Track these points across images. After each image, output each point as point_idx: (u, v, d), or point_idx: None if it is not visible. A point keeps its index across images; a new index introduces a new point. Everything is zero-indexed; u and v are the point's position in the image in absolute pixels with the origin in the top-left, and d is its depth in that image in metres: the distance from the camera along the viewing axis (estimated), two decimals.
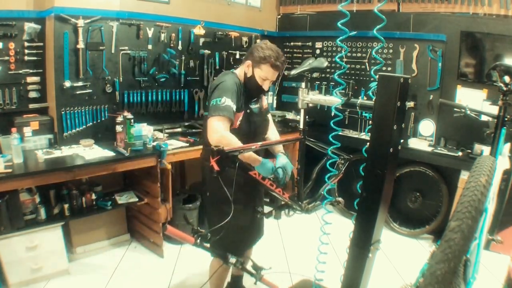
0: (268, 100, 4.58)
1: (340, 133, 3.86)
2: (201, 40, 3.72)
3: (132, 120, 3.09)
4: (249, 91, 2.06)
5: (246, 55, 2.09)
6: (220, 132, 1.84)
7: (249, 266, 2.01)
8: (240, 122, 2.01)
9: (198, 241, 1.63)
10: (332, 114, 1.62)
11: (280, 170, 1.90)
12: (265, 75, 1.99)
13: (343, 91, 1.59)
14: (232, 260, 1.79)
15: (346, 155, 2.01)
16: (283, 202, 1.97)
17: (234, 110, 1.91)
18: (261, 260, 2.94)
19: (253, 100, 2.12)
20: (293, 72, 1.93)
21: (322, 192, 1.91)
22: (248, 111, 2.06)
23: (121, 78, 3.21)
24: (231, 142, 1.80)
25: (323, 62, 1.89)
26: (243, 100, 2.03)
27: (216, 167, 1.53)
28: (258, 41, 4.27)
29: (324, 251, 1.74)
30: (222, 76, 2.09)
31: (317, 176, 2.11)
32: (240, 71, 2.10)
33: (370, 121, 1.26)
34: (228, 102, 1.89)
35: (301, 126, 1.95)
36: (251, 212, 2.16)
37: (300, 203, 1.89)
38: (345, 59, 4.02)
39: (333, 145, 1.58)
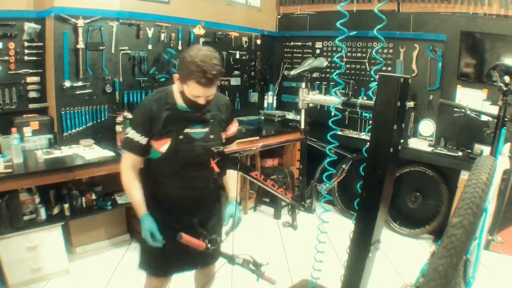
0: (268, 100, 4.59)
1: (340, 133, 3.89)
2: (201, 40, 3.72)
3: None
4: (189, 107, 1.64)
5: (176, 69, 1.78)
6: (124, 167, 1.71)
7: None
8: (168, 149, 1.66)
9: (209, 246, 1.62)
10: (332, 114, 1.61)
11: (228, 219, 1.78)
12: (194, 93, 1.56)
13: (343, 91, 1.60)
14: (239, 260, 1.78)
15: (349, 154, 2.01)
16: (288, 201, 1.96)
17: (141, 141, 1.65)
18: (260, 259, 2.95)
19: (196, 122, 1.69)
20: (293, 72, 1.93)
21: (322, 192, 1.90)
22: (181, 137, 1.66)
23: (121, 78, 3.21)
24: (129, 187, 1.71)
25: (323, 62, 1.90)
26: (175, 122, 1.65)
27: (216, 169, 1.52)
28: (258, 41, 4.28)
29: (322, 250, 1.74)
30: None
31: (319, 175, 2.10)
32: (176, 85, 1.67)
33: (370, 121, 1.26)
34: (131, 134, 1.66)
35: (302, 126, 1.95)
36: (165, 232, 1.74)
37: (303, 202, 1.89)
38: (345, 59, 4.02)
39: (333, 144, 1.57)
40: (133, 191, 1.70)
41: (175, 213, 1.77)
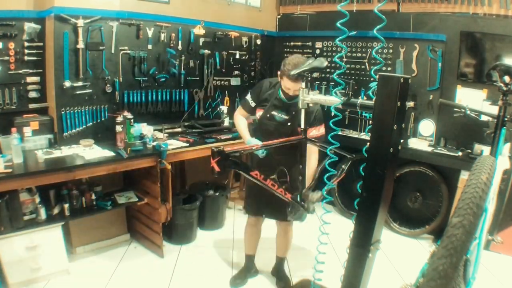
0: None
1: (340, 133, 3.89)
2: (201, 40, 3.72)
3: (132, 120, 3.10)
4: (285, 95, 2.38)
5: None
6: (236, 113, 2.66)
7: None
8: (260, 117, 2.50)
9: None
10: (332, 114, 1.61)
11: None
12: (286, 85, 2.31)
13: (343, 91, 1.59)
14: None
15: (349, 154, 2.01)
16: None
17: (251, 104, 2.53)
18: (261, 260, 2.95)
19: (283, 108, 2.42)
20: (293, 72, 1.94)
21: (322, 193, 1.91)
22: (268, 115, 2.45)
23: (121, 78, 3.21)
24: (237, 124, 2.62)
25: (323, 62, 1.89)
26: (270, 102, 2.44)
27: (216, 168, 1.53)
28: (258, 41, 4.28)
29: (323, 251, 1.74)
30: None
31: (320, 175, 2.09)
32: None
33: (370, 121, 1.26)
34: (247, 97, 2.57)
35: (302, 126, 1.95)
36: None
37: (303, 203, 1.88)
38: (345, 59, 4.02)
39: (333, 144, 1.57)
40: (241, 126, 2.57)
41: (268, 162, 2.38)
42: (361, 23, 3.43)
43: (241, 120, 2.60)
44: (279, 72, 2.33)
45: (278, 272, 2.87)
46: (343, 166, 1.99)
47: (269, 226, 2.81)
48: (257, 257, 2.93)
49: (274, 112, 2.44)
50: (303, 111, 1.89)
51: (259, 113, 2.51)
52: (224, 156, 1.53)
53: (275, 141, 2.16)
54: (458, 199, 1.27)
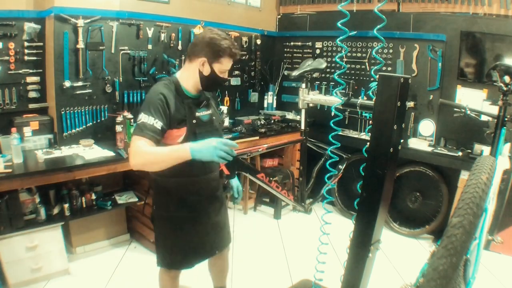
0: (268, 100, 4.59)
1: (340, 133, 3.89)
2: None
3: (132, 120, 3.10)
4: (208, 87, 1.82)
5: (193, 51, 1.76)
6: (139, 150, 1.56)
7: None
8: (182, 140, 1.71)
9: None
10: (332, 114, 1.61)
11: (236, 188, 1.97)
12: (225, 67, 1.77)
13: (343, 91, 1.60)
14: None
15: (345, 154, 2.02)
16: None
17: (156, 126, 1.62)
18: (260, 260, 2.95)
19: (201, 105, 1.83)
20: (294, 73, 1.94)
21: (323, 193, 1.91)
22: (194, 121, 1.77)
23: (121, 78, 3.21)
24: (151, 153, 1.55)
25: (322, 63, 1.90)
26: (187, 108, 1.75)
27: (226, 171, 1.52)
28: (258, 41, 4.28)
29: (324, 251, 1.74)
30: (153, 86, 1.78)
31: (316, 176, 2.11)
32: (186, 73, 1.79)
33: (370, 121, 1.26)
34: (146, 120, 1.62)
35: (302, 127, 1.96)
36: (191, 226, 1.90)
37: (302, 203, 1.89)
38: (345, 59, 4.02)
39: (333, 145, 1.57)
40: (159, 150, 1.58)
41: (200, 195, 1.87)
42: (361, 23, 3.43)
43: (154, 148, 1.59)
44: (203, 59, 1.72)
45: None
46: (339, 166, 2.00)
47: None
48: None
49: (197, 114, 1.80)
50: (303, 111, 1.90)
51: (178, 137, 1.73)
52: (234, 159, 1.50)
53: (276, 142, 2.15)
54: (458, 199, 1.27)
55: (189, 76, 1.78)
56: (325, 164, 1.73)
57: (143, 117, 1.63)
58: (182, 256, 1.93)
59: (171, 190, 1.83)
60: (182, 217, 1.87)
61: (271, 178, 1.77)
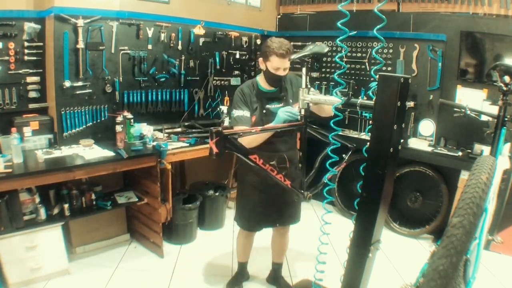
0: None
1: (340, 133, 3.87)
2: (201, 40, 3.72)
3: (132, 120, 3.10)
4: (270, 82, 2.27)
5: (260, 54, 2.30)
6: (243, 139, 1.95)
7: None
8: (256, 121, 2.24)
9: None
10: (332, 114, 1.61)
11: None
12: (275, 65, 2.17)
13: (344, 90, 1.59)
14: None
15: (350, 144, 2.03)
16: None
17: (246, 115, 2.21)
18: (260, 259, 2.95)
19: (272, 98, 2.30)
20: (294, 56, 1.92)
21: (324, 180, 1.88)
22: (264, 111, 2.27)
23: (121, 78, 3.21)
24: (250, 140, 2.07)
25: (324, 48, 1.87)
26: (259, 101, 2.27)
27: (215, 149, 1.48)
28: (258, 41, 4.28)
29: (324, 251, 1.74)
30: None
31: (319, 165, 2.06)
32: (261, 73, 2.31)
33: (370, 121, 1.26)
34: (238, 112, 2.21)
35: (302, 112, 1.90)
36: (257, 194, 2.35)
37: (302, 191, 1.85)
38: (345, 59, 4.01)
39: (335, 131, 1.56)
40: (255, 137, 2.11)
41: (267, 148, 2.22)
42: (361, 23, 3.43)
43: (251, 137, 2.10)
44: (261, 59, 2.25)
45: (278, 279, 2.78)
46: (343, 155, 1.99)
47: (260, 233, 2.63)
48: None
49: (268, 106, 2.28)
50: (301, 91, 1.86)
51: (252, 119, 2.27)
52: (222, 137, 1.47)
53: (273, 126, 2.12)
54: (458, 199, 1.27)
55: (261, 75, 2.30)
56: (328, 153, 1.68)
57: (235, 112, 2.23)
58: (248, 219, 2.44)
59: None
60: (252, 186, 2.34)
61: (265, 162, 1.69)
